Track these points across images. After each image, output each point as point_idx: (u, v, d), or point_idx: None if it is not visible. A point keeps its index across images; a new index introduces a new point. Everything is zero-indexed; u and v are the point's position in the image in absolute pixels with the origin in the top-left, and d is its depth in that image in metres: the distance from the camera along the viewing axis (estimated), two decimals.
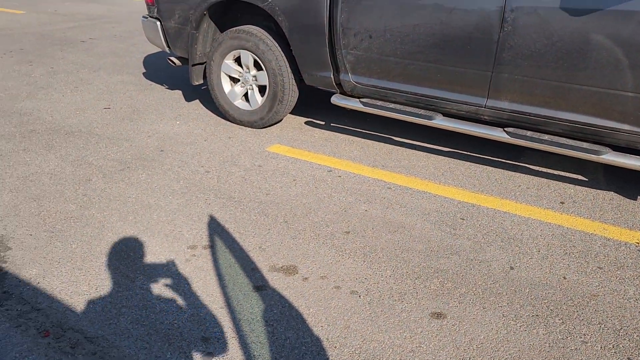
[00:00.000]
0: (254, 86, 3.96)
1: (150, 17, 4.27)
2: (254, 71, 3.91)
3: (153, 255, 2.48)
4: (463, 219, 2.81)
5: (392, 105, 3.38)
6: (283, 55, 3.71)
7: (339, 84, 3.63)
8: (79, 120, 4.14)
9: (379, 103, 3.43)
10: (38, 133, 3.86)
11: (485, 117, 3.13)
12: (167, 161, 3.47)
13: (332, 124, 4.21)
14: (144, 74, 5.53)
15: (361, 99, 3.50)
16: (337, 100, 3.59)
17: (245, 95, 4.07)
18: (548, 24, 2.67)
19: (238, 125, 4.12)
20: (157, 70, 5.70)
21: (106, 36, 7.29)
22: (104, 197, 2.99)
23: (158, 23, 4.19)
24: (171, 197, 3.01)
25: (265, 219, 2.79)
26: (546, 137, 2.94)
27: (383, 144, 3.83)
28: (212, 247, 2.55)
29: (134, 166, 3.38)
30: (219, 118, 4.28)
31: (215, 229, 2.70)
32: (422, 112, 3.28)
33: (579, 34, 2.62)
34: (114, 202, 2.94)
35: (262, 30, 3.77)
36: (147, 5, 4.23)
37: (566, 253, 2.53)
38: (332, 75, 3.57)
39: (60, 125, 4.02)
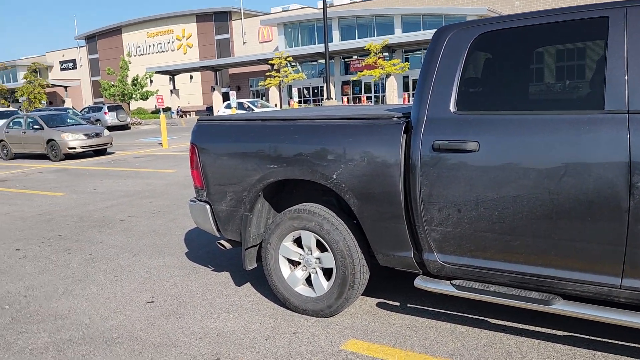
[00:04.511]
0: (317, 269, 3.47)
1: (199, 200, 3.97)
2: (317, 253, 3.45)
3: None
4: None
5: (494, 288, 2.80)
6: (351, 234, 3.27)
7: (421, 264, 3.11)
8: (120, 321, 3.63)
9: (477, 285, 2.86)
10: (74, 343, 3.32)
11: (622, 299, 2.52)
12: None
13: (409, 305, 3.61)
14: (186, 254, 5.13)
15: (452, 281, 2.94)
16: (422, 283, 3.03)
17: (308, 280, 3.57)
18: None
19: (301, 315, 3.55)
20: (199, 248, 5.31)
21: (144, 213, 7.11)
22: None
23: (208, 207, 3.86)
24: None
25: None
26: None
27: (479, 329, 3.18)
28: None
29: None
30: (277, 306, 3.72)
31: None
32: (534, 295, 2.70)
33: None
34: None
35: (325, 208, 3.38)
36: (196, 188, 3.95)
37: None
38: (412, 255, 3.07)
39: (99, 329, 3.50)
